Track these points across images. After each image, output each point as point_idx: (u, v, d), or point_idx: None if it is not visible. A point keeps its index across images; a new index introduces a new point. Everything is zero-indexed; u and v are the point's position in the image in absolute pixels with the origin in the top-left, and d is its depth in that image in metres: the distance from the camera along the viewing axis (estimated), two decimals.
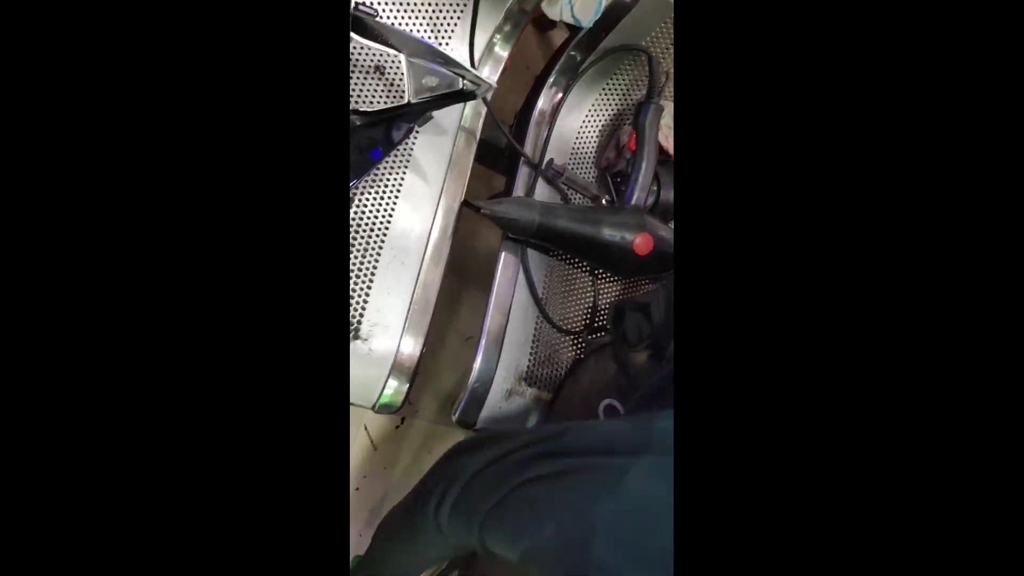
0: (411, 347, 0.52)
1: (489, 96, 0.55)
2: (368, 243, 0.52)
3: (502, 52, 0.59)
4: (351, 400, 0.50)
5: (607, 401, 0.54)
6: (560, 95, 0.63)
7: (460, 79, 0.47)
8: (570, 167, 0.65)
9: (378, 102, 0.53)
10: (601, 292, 0.66)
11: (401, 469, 0.81)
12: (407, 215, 0.54)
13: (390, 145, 0.47)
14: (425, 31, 0.55)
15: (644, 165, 0.60)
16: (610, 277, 0.67)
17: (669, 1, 0.59)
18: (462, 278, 0.67)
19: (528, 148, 0.63)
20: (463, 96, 0.48)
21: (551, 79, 0.63)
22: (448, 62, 0.45)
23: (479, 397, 0.55)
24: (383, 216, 0.53)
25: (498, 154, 0.64)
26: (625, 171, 0.62)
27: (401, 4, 0.53)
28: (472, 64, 0.54)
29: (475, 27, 0.52)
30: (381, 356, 0.51)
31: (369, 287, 0.51)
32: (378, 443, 0.81)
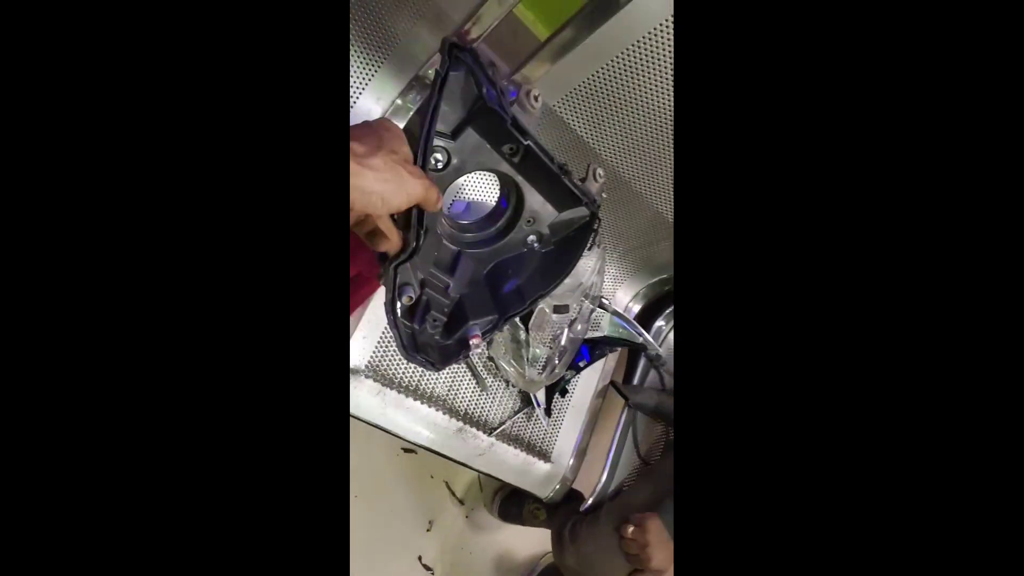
0: (567, 475, 0.90)
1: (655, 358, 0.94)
2: (560, 406, 0.90)
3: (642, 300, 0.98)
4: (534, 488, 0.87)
5: None
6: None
7: (635, 333, 0.86)
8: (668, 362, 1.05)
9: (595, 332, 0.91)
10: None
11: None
12: (581, 392, 0.92)
13: (593, 358, 0.86)
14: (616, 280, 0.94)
15: None
16: None
17: None
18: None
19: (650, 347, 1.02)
20: (636, 345, 0.87)
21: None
22: (632, 325, 0.85)
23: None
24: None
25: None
26: None
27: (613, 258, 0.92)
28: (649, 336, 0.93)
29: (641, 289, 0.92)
30: (555, 473, 0.88)
31: (558, 435, 0.89)
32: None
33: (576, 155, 0.73)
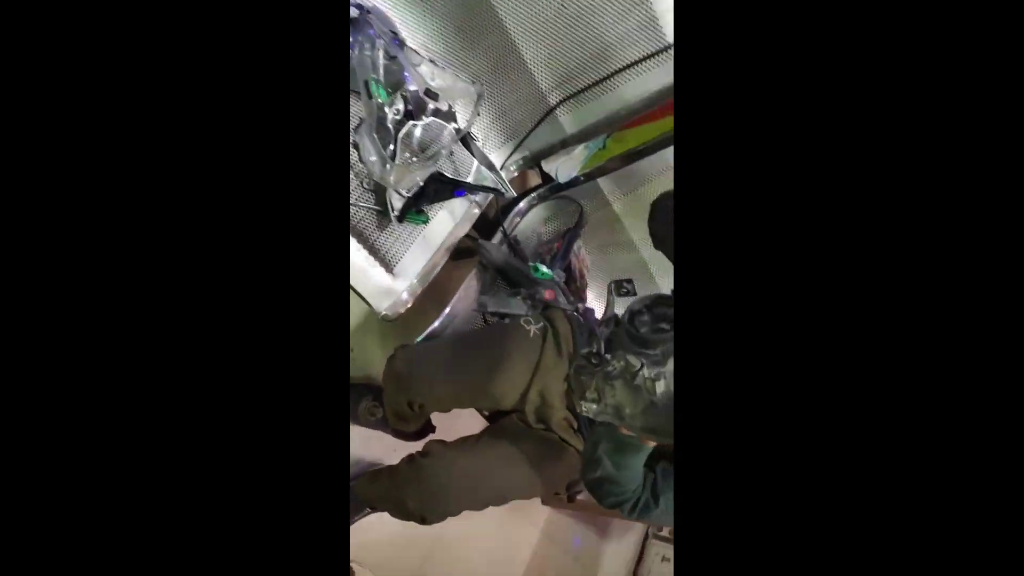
0: (405, 297, 0.91)
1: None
2: (414, 230, 0.93)
3: (515, 170, 1.07)
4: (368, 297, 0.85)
5: None
6: (532, 204, 1.13)
7: (497, 182, 0.94)
8: (523, 242, 1.13)
9: (449, 171, 0.96)
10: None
11: None
12: (438, 225, 0.96)
13: (447, 196, 0.91)
14: (486, 136, 1.02)
15: (561, 261, 1.09)
16: None
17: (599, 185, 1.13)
18: (448, 270, 1.08)
19: (505, 223, 1.10)
20: (496, 191, 0.94)
21: (532, 195, 1.12)
22: (497, 174, 0.92)
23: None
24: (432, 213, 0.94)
25: (483, 219, 1.10)
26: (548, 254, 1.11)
27: (480, 122, 1.00)
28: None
29: (511, 156, 1.01)
30: (395, 288, 0.89)
31: (404, 253, 0.91)
32: None
33: None
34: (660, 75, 0.86)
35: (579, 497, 1.60)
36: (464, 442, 0.89)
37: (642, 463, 0.69)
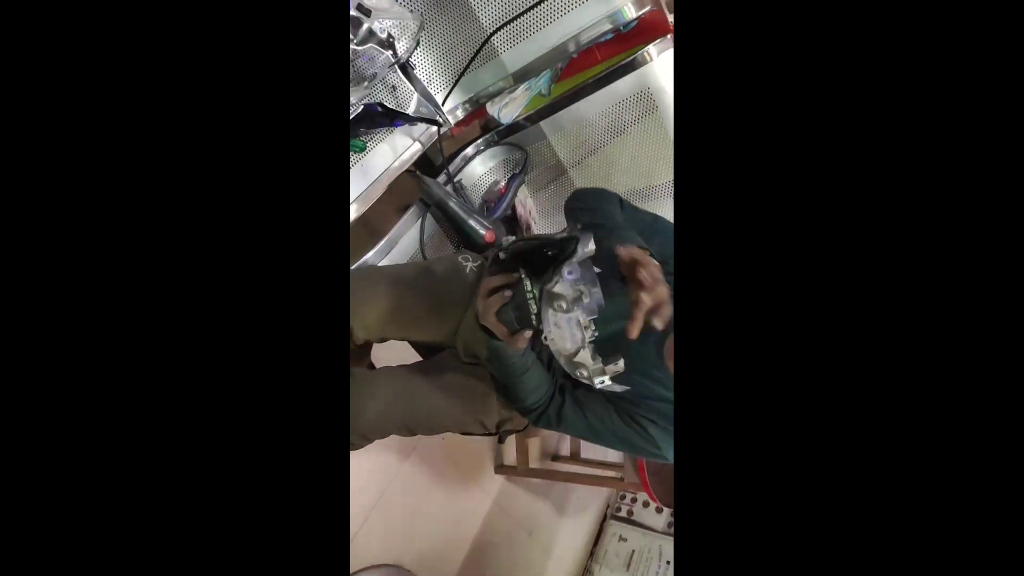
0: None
1: (444, 130, 1.02)
2: (355, 157, 0.92)
3: (461, 114, 1.07)
4: None
5: None
6: (479, 150, 1.13)
7: (437, 115, 0.94)
8: (467, 188, 1.13)
9: (391, 104, 0.96)
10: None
11: None
12: (378, 158, 0.95)
13: (386, 124, 0.91)
14: (430, 78, 1.02)
15: (504, 204, 1.09)
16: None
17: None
18: (389, 204, 1.07)
19: (450, 167, 1.09)
20: (435, 123, 0.94)
21: (479, 141, 1.12)
22: (435, 105, 0.92)
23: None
24: (372, 145, 0.94)
25: (429, 163, 1.10)
26: (494, 202, 1.11)
27: (425, 63, 1.00)
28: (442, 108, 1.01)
29: (451, 91, 1.01)
30: None
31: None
32: None
33: None
34: (596, 6, 0.88)
35: (531, 465, 1.58)
36: (391, 368, 0.87)
37: (518, 375, 0.70)
